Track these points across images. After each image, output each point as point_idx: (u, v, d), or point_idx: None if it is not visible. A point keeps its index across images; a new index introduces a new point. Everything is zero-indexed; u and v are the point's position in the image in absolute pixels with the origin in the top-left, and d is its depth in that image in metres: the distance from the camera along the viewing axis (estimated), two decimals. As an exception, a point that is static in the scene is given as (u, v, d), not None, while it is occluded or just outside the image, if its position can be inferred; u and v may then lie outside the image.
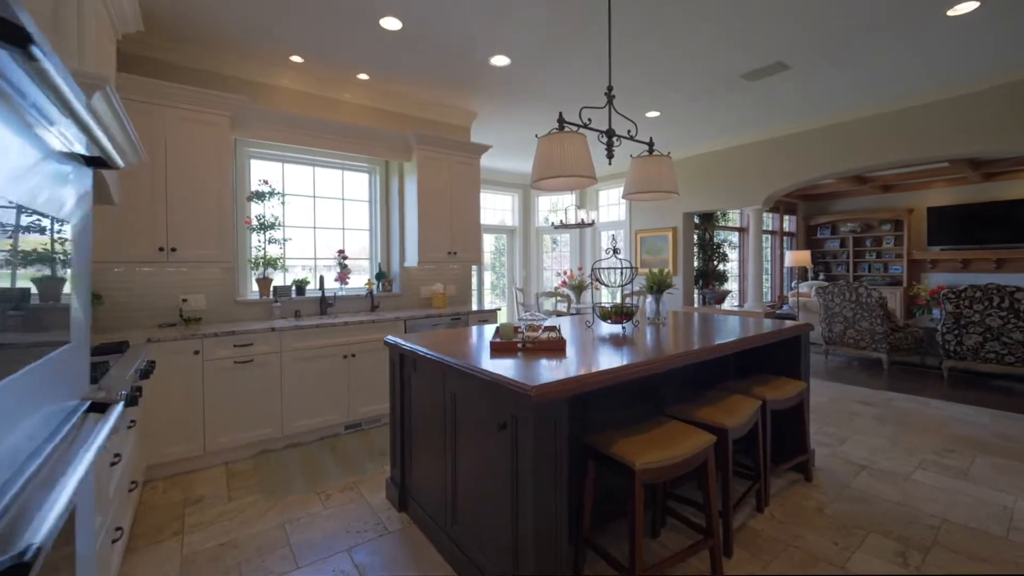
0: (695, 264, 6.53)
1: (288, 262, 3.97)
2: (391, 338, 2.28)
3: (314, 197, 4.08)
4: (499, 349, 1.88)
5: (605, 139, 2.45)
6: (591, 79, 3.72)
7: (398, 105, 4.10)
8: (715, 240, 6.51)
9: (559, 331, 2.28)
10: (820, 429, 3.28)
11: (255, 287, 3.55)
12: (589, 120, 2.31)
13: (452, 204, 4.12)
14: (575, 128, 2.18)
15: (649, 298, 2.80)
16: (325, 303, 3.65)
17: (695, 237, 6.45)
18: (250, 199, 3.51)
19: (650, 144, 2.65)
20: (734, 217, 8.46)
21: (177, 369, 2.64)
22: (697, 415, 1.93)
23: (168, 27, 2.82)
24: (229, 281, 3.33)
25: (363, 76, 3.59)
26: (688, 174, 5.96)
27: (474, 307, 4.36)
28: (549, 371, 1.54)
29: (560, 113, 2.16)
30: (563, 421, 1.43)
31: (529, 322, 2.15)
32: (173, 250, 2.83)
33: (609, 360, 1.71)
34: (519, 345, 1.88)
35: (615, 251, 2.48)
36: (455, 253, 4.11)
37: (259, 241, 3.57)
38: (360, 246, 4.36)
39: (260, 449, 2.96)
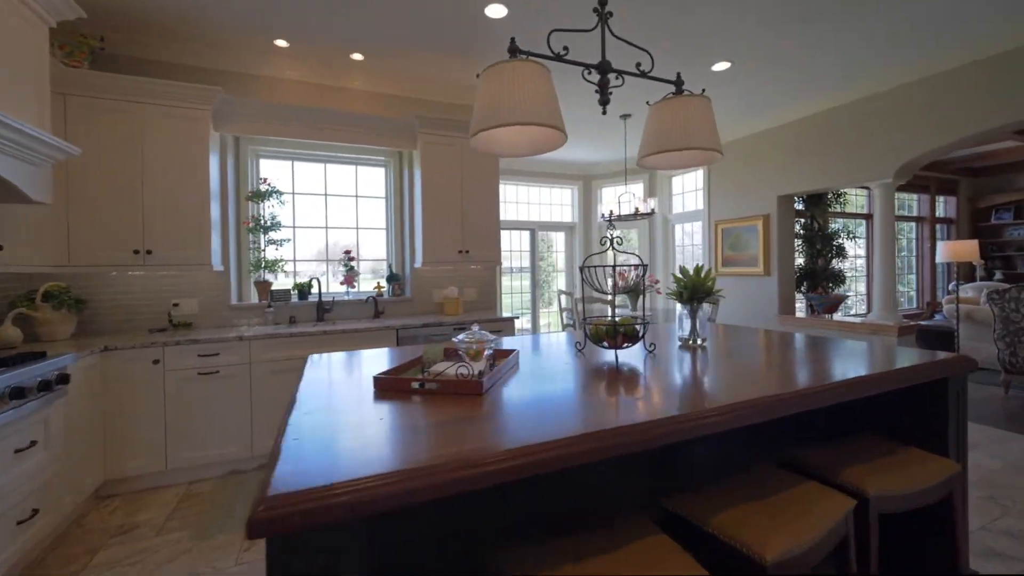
0: (798, 262, 5.13)
1: (298, 265, 3.76)
2: (314, 357, 1.79)
3: (325, 195, 3.83)
4: (385, 389, 1.26)
5: (596, 76, 1.69)
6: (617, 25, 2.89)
7: (401, 87, 3.67)
8: (827, 230, 5.04)
9: (517, 357, 1.58)
10: (995, 522, 2.06)
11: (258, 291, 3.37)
12: (564, 49, 1.58)
13: (464, 196, 3.56)
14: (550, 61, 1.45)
15: (681, 310, 1.93)
16: (322, 309, 3.34)
17: (797, 227, 5.06)
18: (249, 199, 3.34)
19: (677, 83, 1.80)
20: (857, 199, 6.63)
21: (136, 379, 2.47)
22: (711, 524, 1.09)
23: (135, 19, 2.70)
24: (223, 284, 3.17)
25: (357, 56, 3.21)
26: (782, 146, 4.65)
27: (505, 313, 3.76)
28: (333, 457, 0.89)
29: (512, 39, 1.47)
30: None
31: (466, 344, 1.49)
32: (148, 252, 2.69)
33: (525, 425, 0.99)
34: (415, 385, 1.24)
35: (612, 242, 1.70)
36: (467, 252, 3.55)
37: (262, 242, 3.39)
38: (378, 247, 4.03)
39: (230, 469, 2.70)
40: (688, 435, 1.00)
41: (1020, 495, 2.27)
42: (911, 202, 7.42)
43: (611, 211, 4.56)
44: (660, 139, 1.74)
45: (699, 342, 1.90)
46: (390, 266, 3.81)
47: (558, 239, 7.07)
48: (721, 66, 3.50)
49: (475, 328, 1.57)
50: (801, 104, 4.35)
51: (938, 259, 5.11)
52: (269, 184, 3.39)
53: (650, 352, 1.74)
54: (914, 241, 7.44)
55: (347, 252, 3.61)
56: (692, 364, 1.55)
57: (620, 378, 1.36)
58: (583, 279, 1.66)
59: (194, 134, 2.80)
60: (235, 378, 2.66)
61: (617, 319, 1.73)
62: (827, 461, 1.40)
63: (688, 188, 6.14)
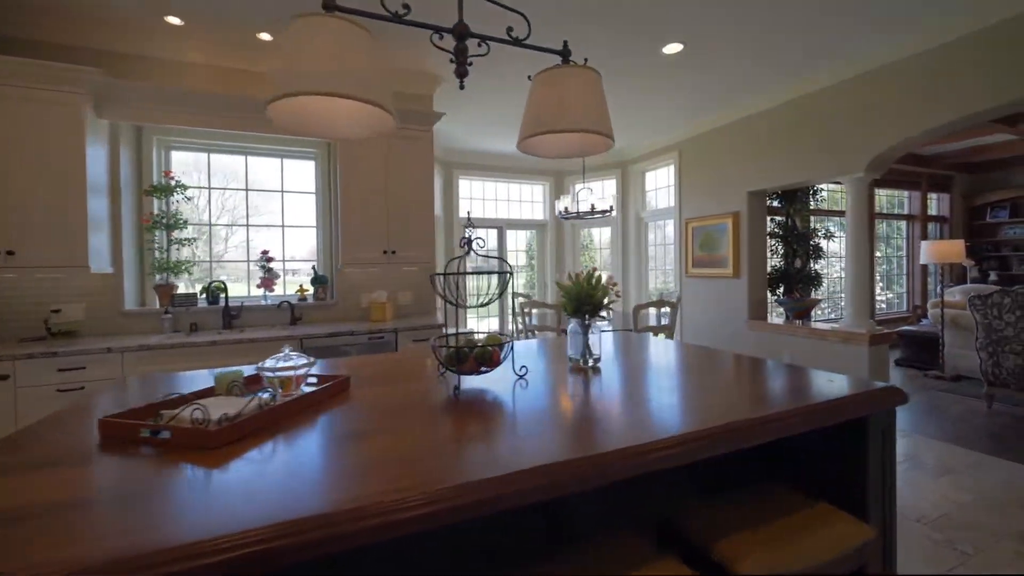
0: (772, 263, 4.79)
1: (216, 267, 3.47)
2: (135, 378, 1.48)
3: (246, 190, 3.53)
4: (111, 435, 0.96)
5: (453, 42, 1.37)
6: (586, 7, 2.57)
7: (330, 72, 3.35)
8: (804, 228, 4.69)
9: (340, 387, 1.27)
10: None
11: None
12: (405, 8, 1.27)
13: (389, 192, 3.25)
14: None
15: (572, 325, 1.62)
16: (228, 315, 3.04)
17: (772, 226, 4.73)
18: (148, 194, 3.04)
19: (563, 52, 1.48)
20: (843, 198, 6.28)
21: (-20, 398, 2.18)
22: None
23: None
24: (113, 288, 2.87)
25: (265, 36, 2.90)
26: (751, 139, 4.31)
27: (445, 319, 3.45)
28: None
29: (322, -10, 1.15)
30: None
31: (271, 371, 1.19)
32: (10, 253, 2.40)
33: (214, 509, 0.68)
34: (145, 432, 0.93)
35: (470, 243, 1.39)
36: (393, 252, 3.23)
37: (164, 241, 3.09)
38: (311, 247, 3.73)
39: (101, 497, 2.41)
40: (458, 516, 0.69)
41: (985, 540, 1.94)
42: (902, 199, 7.06)
43: (566, 208, 4.24)
44: (535, 120, 1.43)
45: (591, 363, 1.58)
46: (314, 268, 3.50)
47: (529, 238, 6.76)
48: (672, 48, 3.17)
49: (286, 350, 1.26)
50: (768, 93, 4.01)
51: (921, 260, 4.77)
52: (172, 178, 3.09)
53: (520, 377, 1.42)
54: (904, 240, 7.08)
55: (264, 252, 3.31)
56: (559, 397, 1.24)
57: (445, 418, 1.05)
58: (434, 286, 1.34)
59: (66, 120, 2.50)
60: (104, 395, 2.36)
61: (482, 336, 1.43)
62: (709, 524, 1.09)
63: (661, 184, 5.81)
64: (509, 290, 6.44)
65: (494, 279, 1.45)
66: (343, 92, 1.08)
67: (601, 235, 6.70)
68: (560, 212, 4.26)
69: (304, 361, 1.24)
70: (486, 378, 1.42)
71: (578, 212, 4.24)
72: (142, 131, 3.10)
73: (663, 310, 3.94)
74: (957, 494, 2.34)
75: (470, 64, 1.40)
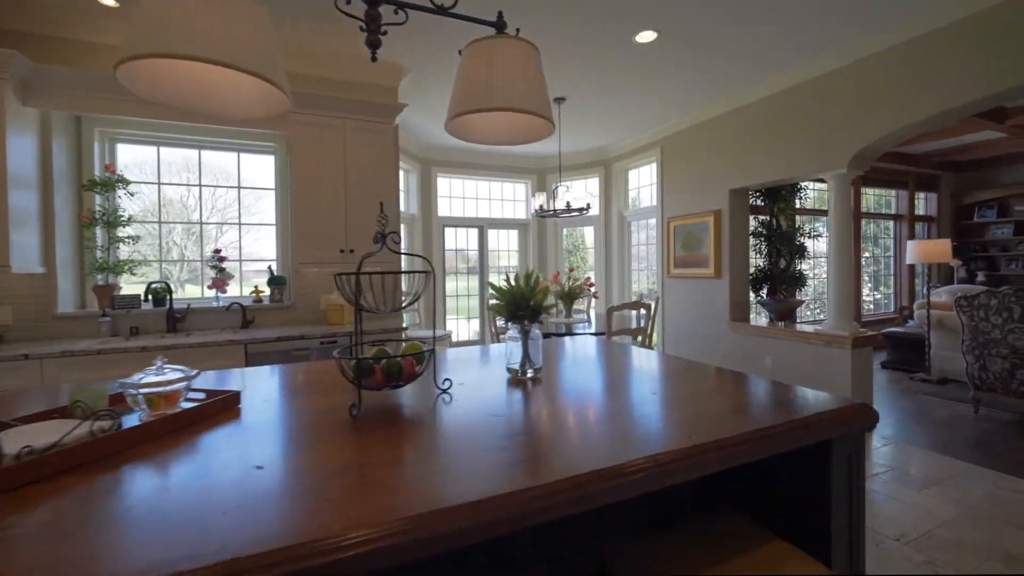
0: (756, 262, 4.66)
1: (166, 267, 3.27)
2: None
3: (200, 186, 3.34)
4: None
5: (363, 7, 1.20)
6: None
7: (289, 62, 3.17)
8: (789, 228, 4.56)
9: (226, 405, 1.09)
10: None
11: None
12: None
13: (348, 186, 3.07)
14: None
15: (511, 331, 1.45)
16: (173, 317, 2.85)
17: (756, 225, 4.59)
18: (88, 189, 2.84)
19: (497, 24, 1.32)
20: (827, 195, 6.17)
21: None
22: None
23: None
24: (45, 289, 2.67)
25: (210, 19, 2.71)
26: (732, 135, 4.17)
27: (405, 323, 3.28)
28: None
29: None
30: None
31: (137, 388, 1.01)
32: (-81, 252, 2.20)
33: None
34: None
35: (384, 238, 1.21)
36: (352, 252, 3.06)
37: (105, 240, 2.89)
38: (271, 246, 3.54)
39: None
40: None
41: (968, 560, 1.80)
42: (889, 199, 6.97)
43: (540, 205, 4.08)
44: (462, 99, 1.26)
45: (531, 374, 1.42)
46: (270, 268, 3.31)
47: (511, 237, 6.59)
48: (646, 36, 3.01)
49: (160, 362, 1.08)
50: (749, 88, 3.87)
51: (907, 260, 4.65)
52: (114, 172, 2.89)
53: (443, 392, 1.25)
54: (892, 240, 6.99)
55: (216, 251, 3.12)
56: (485, 416, 1.07)
57: (336, 446, 0.87)
58: (338, 287, 1.17)
59: (-16, 108, 2.30)
60: (20, 406, 2.17)
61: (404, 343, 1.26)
62: (647, 564, 0.93)
63: (644, 183, 5.66)
64: (473, 291, 6.25)
65: (418, 279, 1.27)
66: (215, 57, 0.90)
67: (588, 235, 6.54)
68: (536, 209, 4.09)
69: (179, 375, 1.06)
70: (404, 393, 1.25)
71: (554, 210, 4.07)
72: (81, 121, 2.90)
73: (642, 312, 3.78)
74: (941, 508, 2.20)
75: (384, 34, 1.23)
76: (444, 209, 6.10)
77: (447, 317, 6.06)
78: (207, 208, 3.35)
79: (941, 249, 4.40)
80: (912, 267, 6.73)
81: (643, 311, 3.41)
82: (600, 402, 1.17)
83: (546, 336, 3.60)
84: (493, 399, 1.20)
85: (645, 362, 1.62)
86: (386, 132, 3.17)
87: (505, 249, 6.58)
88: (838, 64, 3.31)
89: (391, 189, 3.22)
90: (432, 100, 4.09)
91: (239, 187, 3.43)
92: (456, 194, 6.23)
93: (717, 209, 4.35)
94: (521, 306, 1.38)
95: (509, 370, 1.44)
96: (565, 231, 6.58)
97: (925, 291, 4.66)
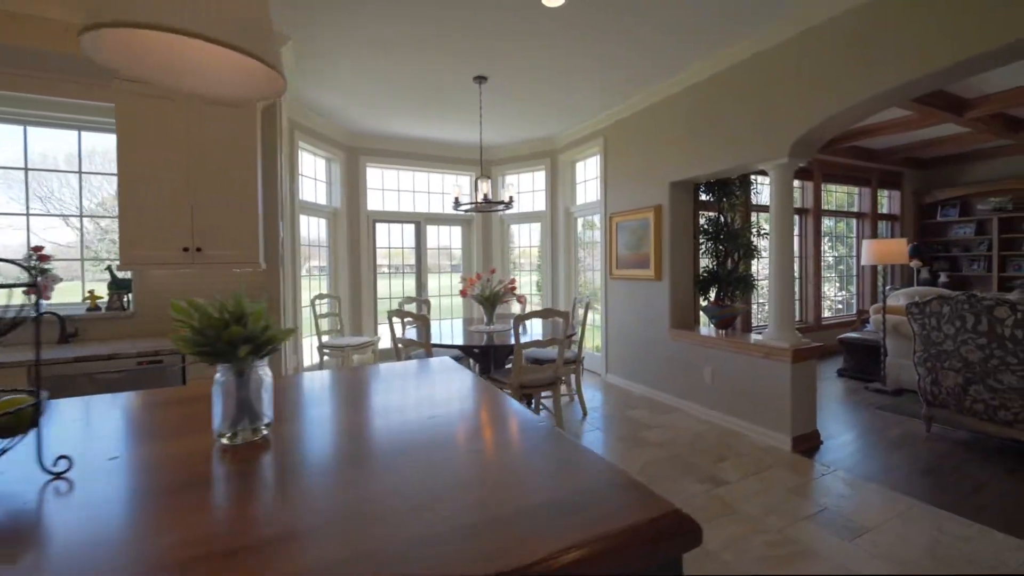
0: (703, 263, 4.27)
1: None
2: None
3: (25, 169, 2.77)
4: None
5: None
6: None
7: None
8: (742, 225, 4.18)
9: None
10: None
11: None
12: None
13: (193, 172, 2.54)
14: None
15: (219, 375, 0.97)
16: (-40, 332, 2.29)
17: (703, 221, 4.20)
18: None
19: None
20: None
21: None
22: None
23: None
24: None
25: (-3, -42, 2.16)
26: (672, 122, 3.76)
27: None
28: None
29: None
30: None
31: None
32: None
33: None
34: None
35: None
36: (199, 250, 2.53)
37: None
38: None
39: None
40: None
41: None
42: (852, 196, 6.70)
43: (456, 198, 3.60)
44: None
45: (245, 438, 0.94)
46: (110, 268, 2.77)
47: (452, 234, 6.11)
48: (553, 1, 2.56)
49: None
50: (683, 68, 3.46)
51: (862, 261, 4.32)
52: None
53: (57, 478, 0.77)
54: (854, 239, 6.72)
55: (36, 249, 2.56)
56: (104, 529, 0.59)
57: None
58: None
59: None
60: None
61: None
62: None
63: (591, 175, 5.23)
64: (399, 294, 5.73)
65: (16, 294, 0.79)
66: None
67: (527, 232, 6.08)
68: (454, 203, 3.62)
69: None
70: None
71: (474, 203, 3.61)
72: None
73: (577, 318, 3.34)
74: (873, 566, 1.81)
75: None
76: (376, 203, 5.58)
77: (378, 323, 5.55)
78: (34, 198, 2.79)
79: (896, 249, 4.07)
80: (874, 268, 6.46)
81: (560, 320, 2.97)
82: (326, 498, 0.70)
83: (441, 347, 3.14)
84: (147, 490, 0.73)
85: (442, 405, 1.15)
86: (245, 109, 2.65)
87: (447, 247, 6.10)
88: (779, 38, 2.91)
89: (250, 178, 2.70)
90: (343, 75, 3.58)
91: (79, 172, 2.87)
92: (391, 186, 5.72)
93: (657, 204, 3.94)
94: (218, 338, 0.90)
95: (216, 433, 0.96)
96: (513, 228, 6.13)
97: (887, 290, 4.34)
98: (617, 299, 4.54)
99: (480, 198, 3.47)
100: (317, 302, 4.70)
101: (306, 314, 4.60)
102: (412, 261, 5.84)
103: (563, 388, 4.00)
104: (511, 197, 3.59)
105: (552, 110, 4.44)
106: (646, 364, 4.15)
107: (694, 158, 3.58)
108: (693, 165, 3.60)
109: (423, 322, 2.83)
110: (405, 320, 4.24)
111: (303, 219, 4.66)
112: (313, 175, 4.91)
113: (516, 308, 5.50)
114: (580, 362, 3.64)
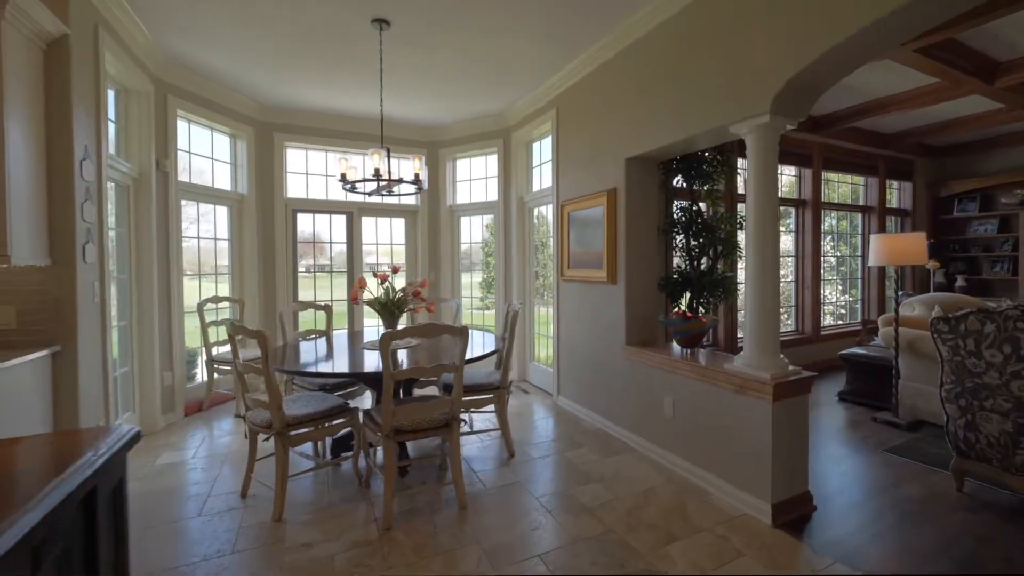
0: (677, 263, 3.46)
1: None
2: None
3: None
4: None
5: None
6: None
7: None
8: (709, 215, 3.35)
9: None
10: None
11: None
12: None
13: None
14: None
15: None
16: None
17: (670, 209, 3.38)
18: None
19: None
20: (790, 178, 5.01)
21: None
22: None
23: None
24: None
25: None
26: (628, 80, 2.94)
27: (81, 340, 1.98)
28: None
29: None
30: None
31: None
32: None
33: None
34: None
35: None
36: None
37: None
38: None
39: None
40: None
41: None
42: (858, 188, 5.87)
43: (343, 174, 2.79)
44: None
45: None
46: None
47: (394, 227, 5.29)
48: None
49: None
50: (638, 9, 2.64)
51: (870, 261, 3.50)
52: None
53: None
54: (859, 237, 5.89)
55: None
56: None
57: None
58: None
59: None
60: None
61: None
62: None
63: (547, 158, 4.41)
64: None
65: None
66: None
67: (479, 224, 5.26)
68: (341, 180, 2.80)
69: None
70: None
71: (351, 183, 2.79)
72: None
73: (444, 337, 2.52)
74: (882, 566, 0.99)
75: None
76: (297, 189, 4.77)
77: (298, 327, 4.74)
78: None
79: (913, 246, 3.24)
80: (881, 270, 5.63)
81: (459, 337, 2.15)
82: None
83: (309, 375, 2.27)
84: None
85: None
86: (32, 48, 1.84)
87: (387, 242, 5.28)
88: (759, -51, 2.09)
89: (31, 154, 1.89)
90: (208, 20, 2.77)
91: None
92: (318, 171, 4.91)
93: (611, 188, 3.12)
94: None
95: None
96: (464, 220, 5.31)
97: (900, 296, 3.52)
98: (569, 305, 3.73)
99: (371, 174, 2.65)
100: (212, 307, 3.90)
101: (192, 322, 3.80)
102: (342, 258, 5.03)
103: (480, 418, 3.18)
104: (417, 175, 2.78)
105: (490, 71, 3.62)
106: (599, 387, 3.34)
107: (653, 125, 2.76)
108: (652, 134, 2.78)
109: (261, 339, 2.02)
110: (310, 336, 3.44)
111: (189, 206, 3.86)
112: (211, 155, 4.10)
113: (426, 317, 4.69)
114: (506, 389, 2.83)
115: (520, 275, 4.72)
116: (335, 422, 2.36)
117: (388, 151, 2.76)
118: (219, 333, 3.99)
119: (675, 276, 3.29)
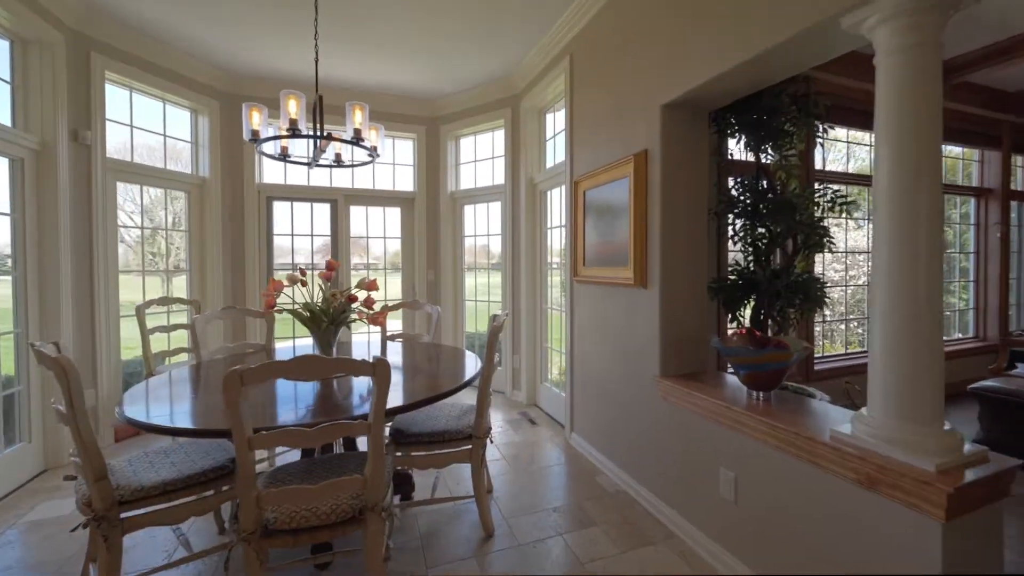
0: (733, 258, 2.50)
1: None
2: None
3: None
4: None
5: None
6: None
7: None
8: (790, 190, 2.35)
9: None
10: None
11: None
12: None
13: None
14: None
15: None
16: None
17: (725, 184, 2.41)
18: None
19: None
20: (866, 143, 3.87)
21: None
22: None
23: None
24: None
25: None
26: (670, 6, 2.02)
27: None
28: None
29: None
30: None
31: None
32: None
33: None
34: None
35: None
36: None
37: None
38: None
39: None
40: None
41: None
42: (969, 164, 4.58)
43: (254, 132, 2.03)
44: None
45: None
46: None
47: (388, 217, 4.56)
48: None
49: None
50: None
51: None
52: None
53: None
54: (972, 227, 4.59)
55: None
56: None
57: None
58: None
59: None
60: None
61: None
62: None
63: (560, 127, 3.52)
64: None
65: None
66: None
67: (484, 211, 4.41)
68: (251, 136, 2.05)
69: None
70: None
71: (282, 134, 2.02)
72: None
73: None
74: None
75: None
76: (274, 174, 4.13)
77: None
78: None
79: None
80: (1005, 270, 4.32)
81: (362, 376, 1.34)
82: None
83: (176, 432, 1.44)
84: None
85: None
86: None
87: (379, 234, 4.56)
88: None
89: None
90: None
91: None
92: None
93: (640, 151, 2.20)
94: None
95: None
96: (468, 209, 4.50)
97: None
98: (585, 313, 2.84)
99: (285, 126, 1.88)
100: (160, 309, 3.29)
101: (128, 327, 3.20)
102: (325, 250, 4.36)
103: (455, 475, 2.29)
104: (366, 142, 1.98)
105: (488, 9, 2.78)
106: (621, 431, 2.43)
107: (698, 48, 1.83)
108: (697, 63, 1.84)
109: (58, 370, 1.28)
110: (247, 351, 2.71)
111: (127, 190, 3.26)
112: (163, 131, 3.50)
113: (418, 325, 3.80)
114: (482, 442, 1.98)
115: (530, 273, 3.85)
116: (223, 490, 1.60)
117: (320, 99, 1.97)
118: (170, 340, 3.39)
119: (733, 277, 2.32)
